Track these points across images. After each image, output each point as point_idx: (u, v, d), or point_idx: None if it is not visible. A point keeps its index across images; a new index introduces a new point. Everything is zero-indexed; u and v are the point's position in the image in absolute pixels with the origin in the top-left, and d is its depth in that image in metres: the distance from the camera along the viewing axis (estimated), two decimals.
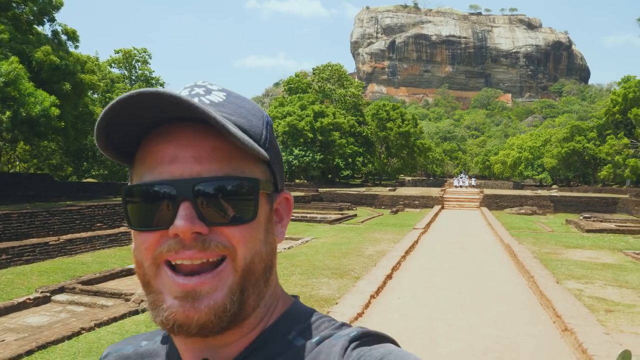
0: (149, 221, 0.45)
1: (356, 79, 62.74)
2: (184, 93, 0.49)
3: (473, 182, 41.43)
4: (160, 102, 0.43)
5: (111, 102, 0.43)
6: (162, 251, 0.44)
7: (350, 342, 0.47)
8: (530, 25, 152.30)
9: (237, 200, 0.46)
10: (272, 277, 0.51)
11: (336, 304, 5.90)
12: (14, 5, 15.43)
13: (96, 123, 0.44)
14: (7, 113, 11.78)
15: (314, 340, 0.49)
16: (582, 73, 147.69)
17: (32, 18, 15.93)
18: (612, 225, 16.32)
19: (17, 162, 27.04)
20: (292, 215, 0.56)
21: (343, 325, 0.51)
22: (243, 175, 0.47)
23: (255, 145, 0.46)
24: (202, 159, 0.45)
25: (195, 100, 0.43)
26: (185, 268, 0.44)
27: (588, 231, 15.29)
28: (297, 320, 0.52)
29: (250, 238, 0.47)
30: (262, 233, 0.48)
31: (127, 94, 0.42)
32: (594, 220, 18.50)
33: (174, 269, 0.45)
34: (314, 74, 45.82)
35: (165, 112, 0.44)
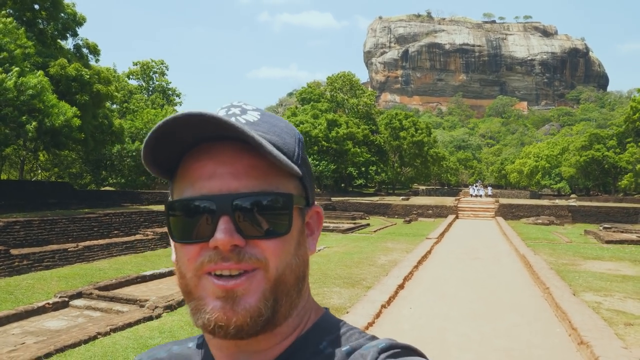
0: (190, 234, 0.48)
1: (369, 88, 62.88)
2: (221, 113, 0.53)
3: (489, 191, 40.67)
4: (202, 122, 0.46)
5: (158, 123, 0.46)
6: (203, 262, 0.48)
7: (379, 353, 0.48)
8: (546, 33, 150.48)
9: (272, 215, 0.48)
10: (304, 288, 0.53)
11: (347, 313, 5.90)
12: (39, 21, 16.22)
13: (144, 143, 0.48)
14: (33, 123, 12.29)
15: (344, 350, 0.50)
16: (601, 80, 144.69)
17: (56, 33, 16.70)
18: (633, 236, 15.78)
19: (39, 171, 27.98)
20: None
21: (373, 337, 0.52)
22: (278, 190, 0.49)
23: (289, 162, 0.49)
24: (240, 175, 0.48)
25: (233, 120, 0.46)
26: (225, 277, 0.47)
27: (608, 242, 14.85)
28: (328, 330, 0.53)
29: (283, 251, 0.49)
30: (294, 246, 0.51)
31: (173, 115, 0.46)
32: (614, 231, 17.94)
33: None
34: (327, 83, 46.19)
35: (206, 132, 0.48)
